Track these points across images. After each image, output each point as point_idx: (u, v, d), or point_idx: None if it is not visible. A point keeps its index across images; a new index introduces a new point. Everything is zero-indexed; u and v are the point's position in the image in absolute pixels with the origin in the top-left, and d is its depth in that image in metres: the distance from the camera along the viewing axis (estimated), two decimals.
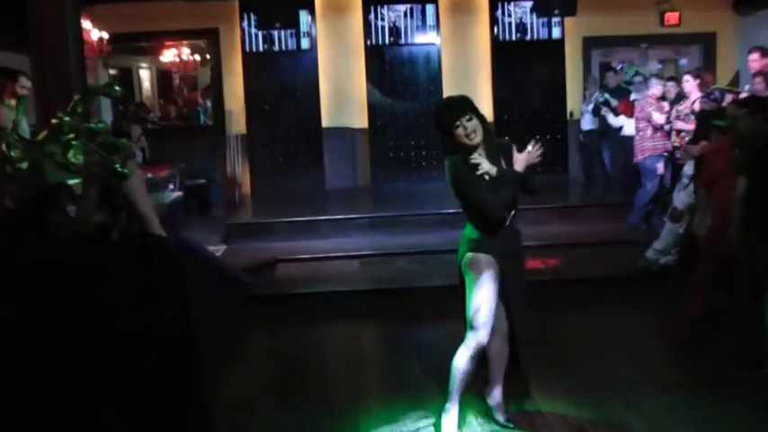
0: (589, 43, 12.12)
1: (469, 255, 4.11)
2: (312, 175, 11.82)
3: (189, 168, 10.69)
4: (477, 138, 4.00)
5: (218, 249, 8.70)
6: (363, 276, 8.05)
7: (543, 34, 11.84)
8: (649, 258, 7.61)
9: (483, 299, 4.05)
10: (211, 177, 11.50)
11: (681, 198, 7.32)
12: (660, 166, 8.90)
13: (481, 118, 4.06)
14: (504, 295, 4.18)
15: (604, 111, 10.21)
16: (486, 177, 3.99)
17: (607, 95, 10.40)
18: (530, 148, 4.06)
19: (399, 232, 9.18)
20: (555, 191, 10.81)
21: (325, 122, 11.86)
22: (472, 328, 4.10)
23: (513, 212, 4.10)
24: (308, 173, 11.82)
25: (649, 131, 8.93)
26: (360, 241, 9.00)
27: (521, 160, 4.04)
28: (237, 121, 11.78)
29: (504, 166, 4.08)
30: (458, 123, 3.97)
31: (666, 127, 8.84)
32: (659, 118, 8.81)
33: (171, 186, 9.09)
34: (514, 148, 4.10)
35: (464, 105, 4.04)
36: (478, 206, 4.00)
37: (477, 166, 3.98)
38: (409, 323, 6.70)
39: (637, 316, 6.65)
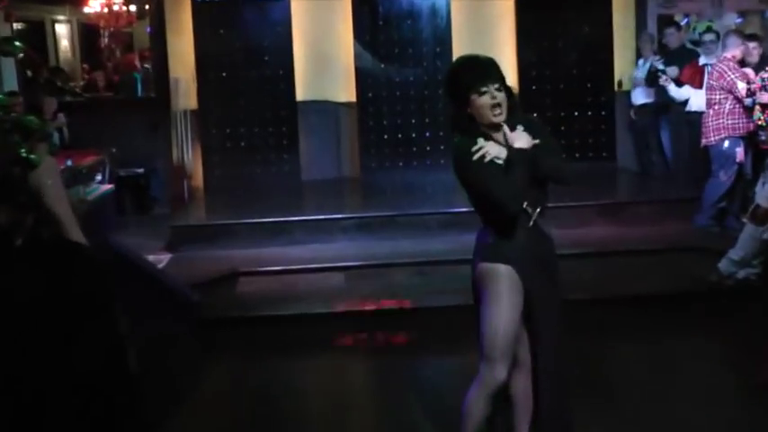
0: None
1: (484, 265, 4.08)
2: (284, 162, 11.78)
3: (122, 154, 10.61)
4: (504, 114, 4.00)
5: (160, 259, 8.67)
6: (350, 293, 7.99)
7: None
8: (724, 271, 7.58)
9: (501, 322, 4.02)
10: (152, 166, 11.44)
11: (765, 193, 7.29)
12: (740, 151, 8.86)
13: (509, 90, 4.05)
14: (530, 320, 4.14)
15: (664, 80, 10.13)
16: (499, 162, 3.97)
17: (660, 63, 10.33)
18: (507, 131, 4.01)
19: (396, 236, 9.15)
20: (599, 183, 10.77)
21: (300, 95, 11.82)
22: (486, 360, 4.07)
23: (537, 210, 4.06)
24: (278, 160, 11.78)
25: (728, 105, 8.88)
26: (345, 248, 8.99)
27: (517, 138, 4.00)
28: (186, 93, 11.73)
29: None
30: (484, 89, 3.97)
31: (747, 101, 8.80)
32: (744, 88, 8.75)
33: (98, 177, 9.03)
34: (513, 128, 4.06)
35: (493, 70, 4.04)
36: (488, 197, 3.98)
37: (482, 155, 3.95)
38: (408, 354, 6.68)
39: (708, 346, 6.62)
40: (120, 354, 2.26)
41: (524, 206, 3.99)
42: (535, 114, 11.89)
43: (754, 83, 8.75)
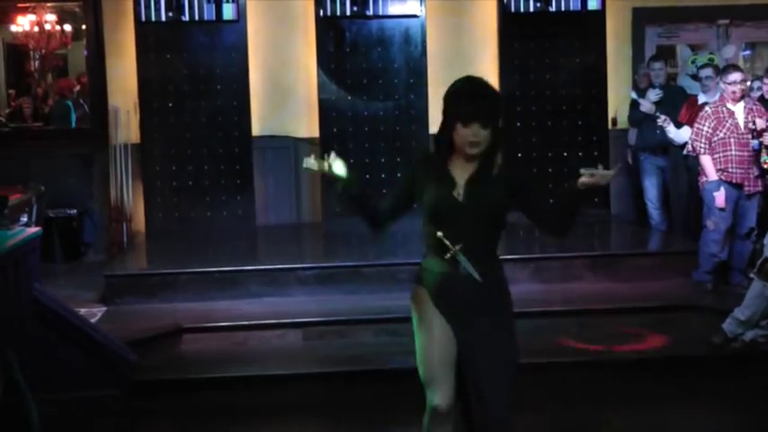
0: (641, 16, 12.23)
1: (413, 287, 4.50)
2: (236, 205, 11.74)
3: (52, 193, 10.57)
4: (478, 149, 4.24)
5: (93, 313, 8.62)
6: (309, 354, 8.00)
7: (575, 3, 11.93)
8: (729, 332, 7.58)
9: (426, 346, 4.43)
10: (86, 206, 11.39)
11: None
12: (718, 196, 8.84)
13: (498, 131, 4.27)
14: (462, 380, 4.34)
15: (662, 120, 10.11)
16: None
17: (655, 95, 10.39)
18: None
19: (361, 290, 9.13)
20: (590, 232, 10.78)
21: (256, 129, 11.82)
22: (425, 386, 4.40)
23: (458, 246, 4.23)
24: (230, 202, 11.74)
25: (707, 146, 8.95)
26: (304, 302, 8.97)
27: None
28: (127, 125, 11.70)
29: (504, 200, 4.31)
30: (470, 123, 4.17)
31: (754, 142, 8.85)
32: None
33: (23, 219, 8.97)
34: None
35: (485, 107, 4.23)
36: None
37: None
38: (375, 424, 6.63)
39: (711, 417, 6.62)
40: (17, 402, 2.22)
41: (440, 235, 4.27)
42: (519, 155, 12.04)
43: (754, 122, 8.79)
